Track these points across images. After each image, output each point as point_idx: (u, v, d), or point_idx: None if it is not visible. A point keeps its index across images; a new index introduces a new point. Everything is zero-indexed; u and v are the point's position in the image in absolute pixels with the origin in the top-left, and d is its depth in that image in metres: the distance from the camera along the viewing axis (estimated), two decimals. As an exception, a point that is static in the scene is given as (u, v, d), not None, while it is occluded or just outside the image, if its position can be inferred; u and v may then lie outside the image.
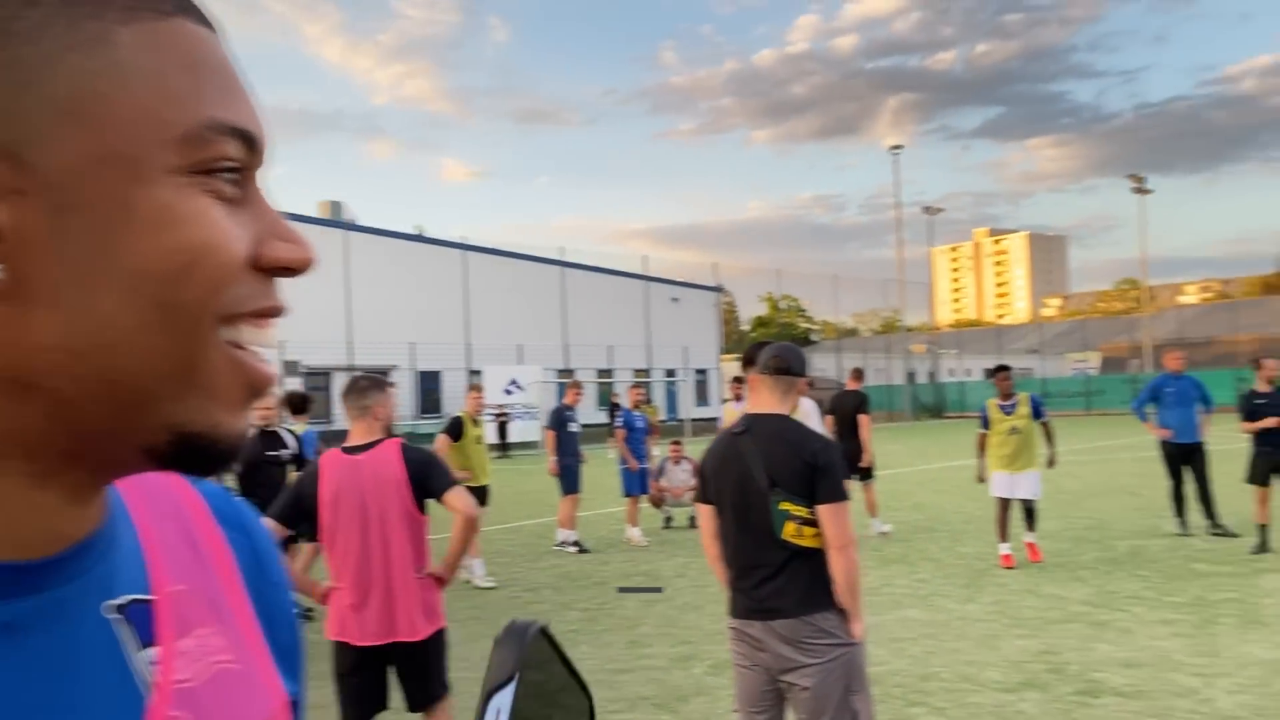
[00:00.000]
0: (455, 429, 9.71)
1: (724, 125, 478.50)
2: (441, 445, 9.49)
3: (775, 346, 3.98)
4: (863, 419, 11.28)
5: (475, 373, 34.80)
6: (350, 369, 33.51)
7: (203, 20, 0.53)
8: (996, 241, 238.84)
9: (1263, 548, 9.43)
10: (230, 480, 7.31)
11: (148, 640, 0.56)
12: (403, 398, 37.63)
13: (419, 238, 42.31)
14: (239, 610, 0.63)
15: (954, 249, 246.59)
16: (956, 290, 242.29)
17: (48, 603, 0.51)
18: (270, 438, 7.42)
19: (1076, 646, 6.50)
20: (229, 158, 0.51)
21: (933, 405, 54.95)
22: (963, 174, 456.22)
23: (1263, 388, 9.91)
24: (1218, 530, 10.48)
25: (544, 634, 0.42)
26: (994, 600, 7.97)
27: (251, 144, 0.52)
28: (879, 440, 12.75)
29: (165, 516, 0.63)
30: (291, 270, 0.54)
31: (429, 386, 37.70)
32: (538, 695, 0.38)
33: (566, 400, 11.57)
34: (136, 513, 0.61)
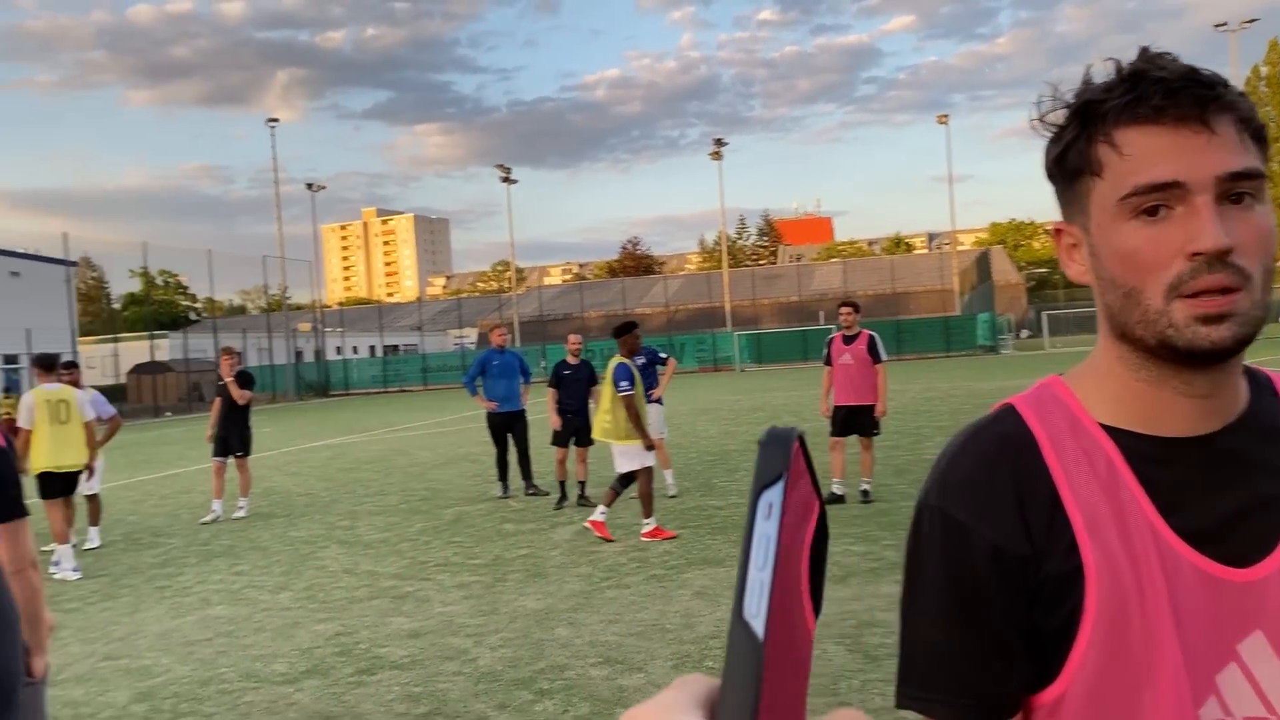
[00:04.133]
0: None
1: (94, 81, 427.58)
2: None
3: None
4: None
5: None
6: None
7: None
8: (385, 222, 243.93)
9: (562, 502, 10.52)
10: None
11: None
12: None
13: None
14: None
15: (344, 227, 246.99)
16: (348, 269, 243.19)
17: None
18: None
19: (372, 624, 6.58)
20: None
21: (318, 384, 54.41)
22: (354, 154, 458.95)
23: (571, 360, 11.05)
24: (532, 491, 11.52)
25: (801, 441, 0.41)
26: (308, 585, 7.83)
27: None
28: (255, 422, 12.21)
29: None
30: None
31: None
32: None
33: None
34: None
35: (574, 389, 10.96)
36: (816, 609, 0.41)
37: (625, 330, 9.14)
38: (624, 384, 8.61)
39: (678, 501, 10.38)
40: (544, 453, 13.67)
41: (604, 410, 8.82)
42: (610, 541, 8.51)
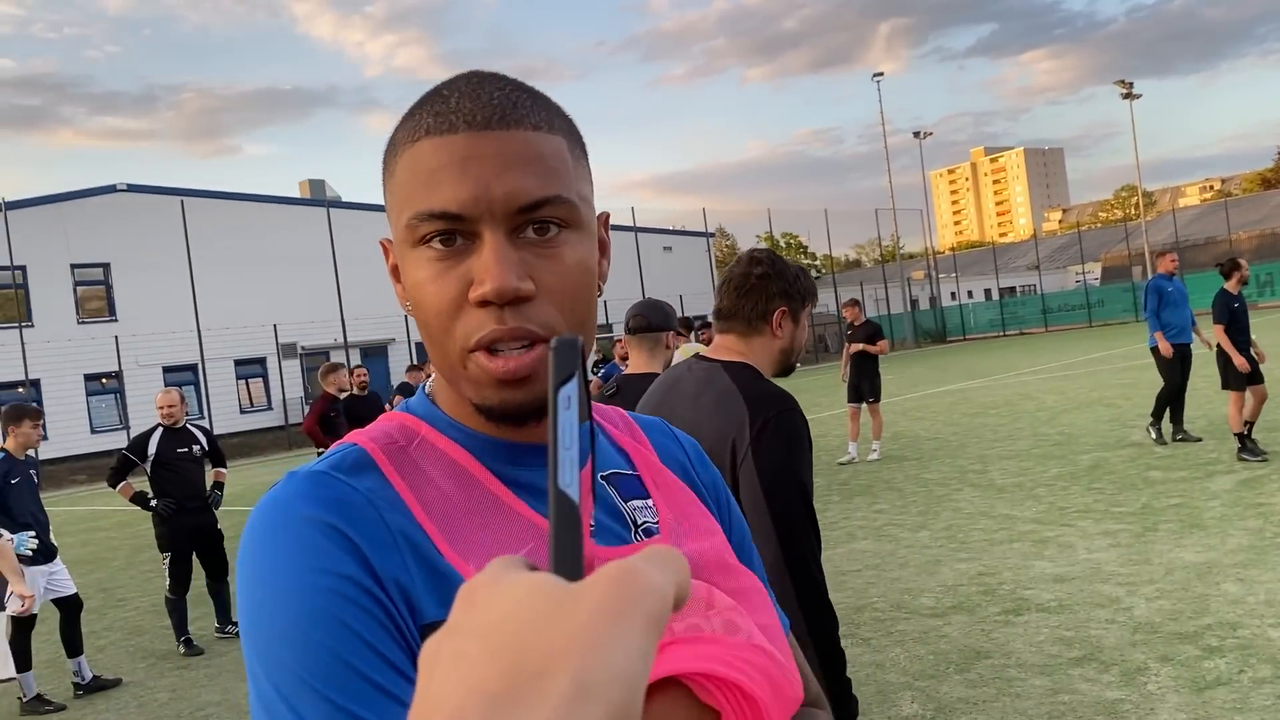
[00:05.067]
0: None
1: (717, 66, 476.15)
2: None
3: (637, 304, 4.02)
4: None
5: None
6: (346, 347, 33.60)
7: (442, 130, 0.77)
8: (993, 160, 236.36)
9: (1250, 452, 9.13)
10: (144, 480, 7.41)
11: (626, 496, 0.88)
12: (403, 370, 37.71)
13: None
14: (671, 485, 0.93)
15: (951, 171, 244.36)
16: (958, 213, 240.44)
17: None
18: (177, 435, 7.42)
19: (1015, 566, 6.59)
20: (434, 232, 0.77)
21: (935, 331, 54.84)
22: (960, 95, 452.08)
23: (1234, 289, 9.61)
24: (1181, 436, 10.50)
25: (581, 347, 0.50)
26: (945, 526, 8.05)
27: (450, 216, 0.76)
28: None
29: (622, 430, 0.97)
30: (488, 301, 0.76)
31: (354, 367, 37.74)
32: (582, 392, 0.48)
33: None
34: (605, 427, 0.96)
35: (1244, 321, 9.52)
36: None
37: None
38: None
39: (1373, 448, 8.76)
40: (1191, 393, 12.34)
41: None
42: None
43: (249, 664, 0.72)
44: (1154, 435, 10.60)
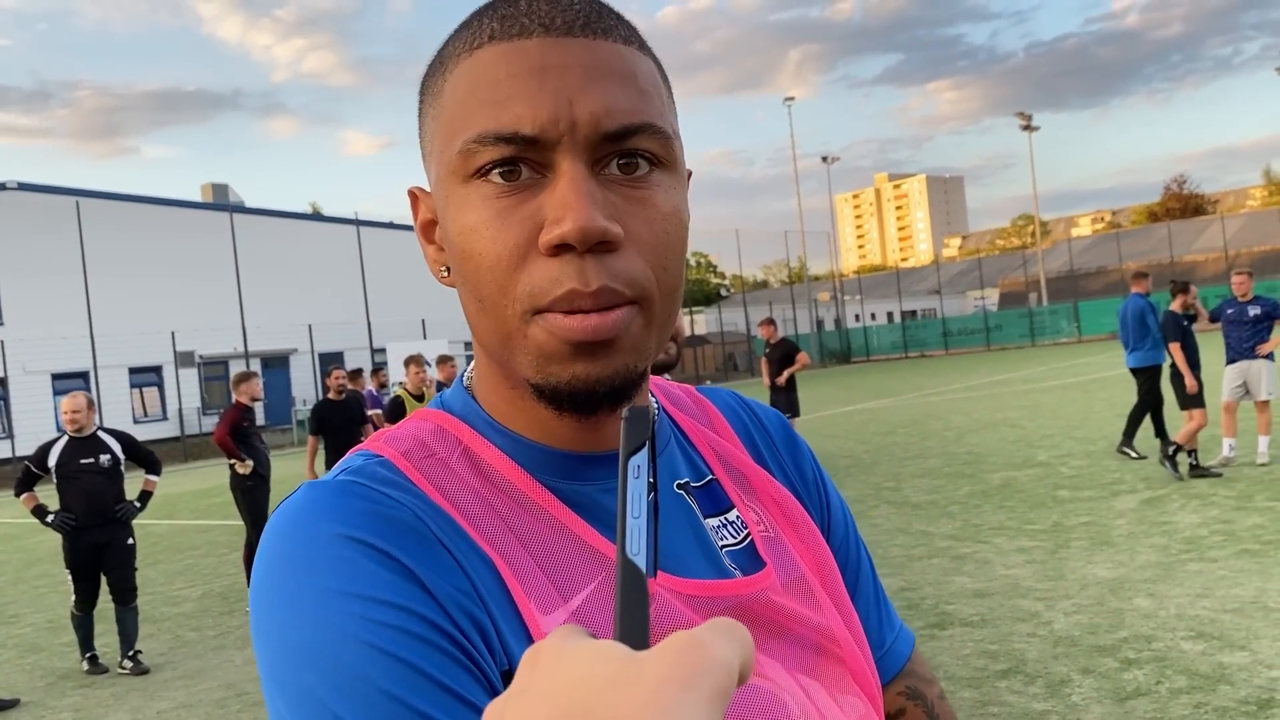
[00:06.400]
0: (396, 410, 9.48)
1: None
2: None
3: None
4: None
5: (379, 350, 34.15)
6: (246, 356, 32.67)
7: (511, 35, 0.62)
8: (896, 186, 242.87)
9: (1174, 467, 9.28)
10: (52, 494, 6.84)
11: (707, 512, 0.76)
12: (305, 380, 36.85)
13: (309, 216, 41.16)
14: (760, 484, 0.81)
15: (856, 196, 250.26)
16: (861, 236, 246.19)
17: None
18: (84, 444, 6.85)
19: (935, 581, 6.72)
20: (492, 161, 0.61)
21: (840, 351, 55.94)
22: (866, 121, 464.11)
23: (1179, 309, 9.78)
24: (1125, 449, 10.57)
25: (653, 418, 0.48)
26: (866, 542, 8.15)
27: (520, 139, 0.60)
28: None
29: (695, 418, 0.84)
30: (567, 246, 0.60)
31: (330, 368, 36.89)
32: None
33: None
34: (676, 417, 0.82)
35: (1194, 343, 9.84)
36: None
37: None
38: None
39: (1266, 471, 9.22)
40: (1100, 413, 12.81)
41: None
42: None
43: (276, 714, 0.59)
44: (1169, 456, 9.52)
